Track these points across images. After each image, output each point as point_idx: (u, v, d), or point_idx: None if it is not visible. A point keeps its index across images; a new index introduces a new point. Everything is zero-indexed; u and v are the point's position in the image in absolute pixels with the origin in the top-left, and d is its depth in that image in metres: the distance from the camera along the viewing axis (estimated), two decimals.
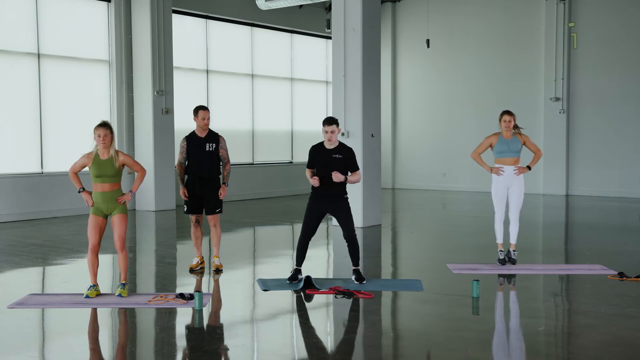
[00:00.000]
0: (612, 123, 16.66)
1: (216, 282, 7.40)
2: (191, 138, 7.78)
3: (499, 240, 7.85)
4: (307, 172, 7.30)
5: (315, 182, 7.06)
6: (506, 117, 7.64)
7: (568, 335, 5.53)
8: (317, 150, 7.20)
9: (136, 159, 14.35)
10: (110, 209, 6.53)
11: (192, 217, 7.84)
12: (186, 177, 7.79)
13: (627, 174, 16.41)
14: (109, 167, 6.43)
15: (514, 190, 7.81)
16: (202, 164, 7.68)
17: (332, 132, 7.04)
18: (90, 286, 6.50)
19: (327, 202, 7.12)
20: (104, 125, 6.45)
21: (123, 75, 14.32)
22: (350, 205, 7.22)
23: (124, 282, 6.55)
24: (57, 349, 5.26)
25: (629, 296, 6.51)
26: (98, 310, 6.14)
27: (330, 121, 7.08)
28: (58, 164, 13.25)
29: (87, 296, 6.43)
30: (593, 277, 7.42)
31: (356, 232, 7.24)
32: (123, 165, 6.52)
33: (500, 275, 7.57)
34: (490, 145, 7.75)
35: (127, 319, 5.99)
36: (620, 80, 16.54)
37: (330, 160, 7.07)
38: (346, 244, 7.19)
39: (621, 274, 7.31)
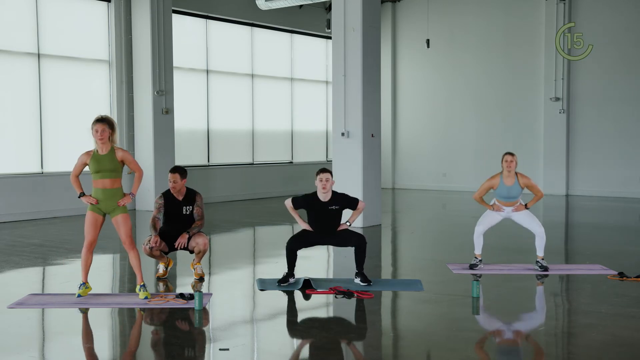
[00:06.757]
0: (612, 123, 16.65)
1: (216, 282, 7.40)
2: (168, 199, 7.23)
3: (477, 251, 7.84)
4: (289, 206, 7.15)
5: (306, 227, 7.10)
6: (507, 158, 7.63)
7: (568, 335, 5.53)
8: (311, 202, 7.07)
9: (136, 159, 14.37)
10: (110, 208, 6.40)
11: (151, 244, 7.13)
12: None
13: (628, 174, 16.40)
14: (108, 162, 6.31)
15: (518, 217, 7.75)
16: (179, 227, 7.29)
17: (327, 180, 6.97)
18: (81, 284, 6.44)
19: (327, 237, 7.19)
20: (101, 120, 6.33)
21: (123, 75, 14.32)
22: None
23: (142, 283, 6.45)
24: (57, 349, 5.26)
25: (629, 296, 6.51)
26: (98, 310, 6.14)
27: (324, 170, 7.06)
28: (58, 164, 13.25)
29: (79, 295, 6.37)
30: (593, 277, 7.42)
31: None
32: (122, 162, 6.40)
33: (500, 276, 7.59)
34: (492, 187, 7.75)
35: (127, 319, 5.99)
36: (620, 80, 16.53)
37: (327, 213, 7.02)
38: (354, 249, 7.15)
39: (621, 274, 7.31)
